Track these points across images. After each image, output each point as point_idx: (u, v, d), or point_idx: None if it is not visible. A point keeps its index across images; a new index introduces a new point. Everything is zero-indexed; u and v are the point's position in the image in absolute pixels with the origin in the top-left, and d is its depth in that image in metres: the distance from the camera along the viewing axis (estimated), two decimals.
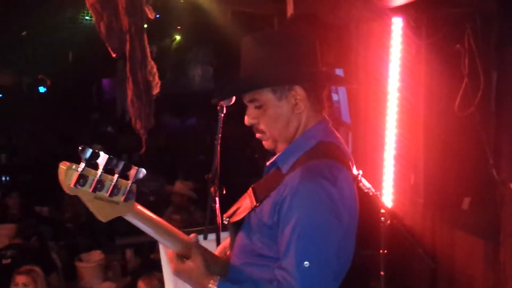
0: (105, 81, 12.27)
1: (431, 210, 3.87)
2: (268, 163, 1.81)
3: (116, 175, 1.43)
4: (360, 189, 2.28)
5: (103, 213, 1.45)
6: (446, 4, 3.49)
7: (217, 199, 2.17)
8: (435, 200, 3.83)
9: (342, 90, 4.71)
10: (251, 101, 1.72)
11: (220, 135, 2.16)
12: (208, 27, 6.82)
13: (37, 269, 4.24)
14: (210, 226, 2.22)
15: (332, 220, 1.57)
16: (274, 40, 1.73)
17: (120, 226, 5.92)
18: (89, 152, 1.35)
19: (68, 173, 1.36)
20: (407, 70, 3.85)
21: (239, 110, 1.97)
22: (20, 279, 4.06)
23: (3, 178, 9.74)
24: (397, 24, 3.82)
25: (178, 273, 1.68)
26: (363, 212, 1.76)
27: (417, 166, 3.89)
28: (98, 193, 1.41)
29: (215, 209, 2.16)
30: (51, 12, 7.15)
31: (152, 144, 4.72)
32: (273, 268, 1.60)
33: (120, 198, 1.46)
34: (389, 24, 3.86)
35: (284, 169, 1.68)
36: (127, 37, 4.17)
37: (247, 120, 1.75)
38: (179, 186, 6.21)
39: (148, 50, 4.30)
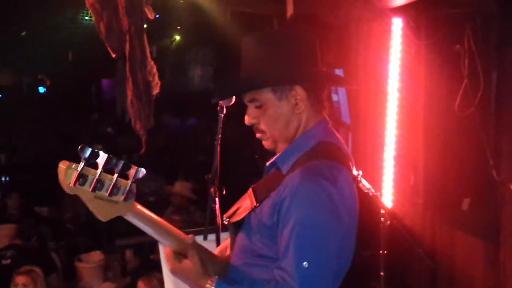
0: (105, 81, 12.27)
1: (431, 210, 3.87)
2: (268, 163, 1.81)
3: (116, 175, 1.43)
4: (360, 190, 2.28)
5: (102, 213, 1.44)
6: (446, 4, 3.49)
7: (217, 199, 2.17)
8: (435, 201, 3.83)
9: (342, 90, 4.71)
10: (251, 100, 1.72)
11: (220, 136, 2.16)
12: (208, 27, 6.82)
13: (37, 269, 4.24)
14: (210, 226, 2.22)
15: (332, 221, 1.57)
16: (274, 40, 1.73)
17: (120, 227, 5.92)
18: (88, 151, 1.35)
19: (67, 172, 1.36)
20: (407, 70, 3.85)
21: (239, 110, 1.97)
22: (20, 279, 4.06)
23: (3, 179, 9.74)
24: (397, 24, 3.82)
25: (175, 272, 1.68)
26: (363, 212, 1.76)
27: (417, 166, 3.89)
28: (98, 193, 1.41)
29: (215, 209, 2.17)
30: (51, 12, 7.14)
31: (151, 145, 4.71)
32: (273, 268, 1.60)
33: (120, 197, 1.45)
34: (389, 25, 3.86)
35: (284, 169, 1.68)
36: (127, 37, 4.17)
37: (247, 119, 1.75)
38: (179, 187, 6.20)
39: (148, 50, 4.29)
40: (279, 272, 1.57)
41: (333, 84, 2.56)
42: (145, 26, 4.26)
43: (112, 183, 1.42)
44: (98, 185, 1.40)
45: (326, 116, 1.78)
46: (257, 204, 1.69)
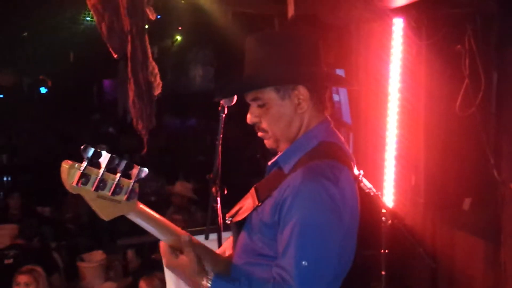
0: (106, 82, 12.28)
1: (432, 210, 3.87)
2: (269, 163, 1.82)
3: (118, 174, 1.43)
4: (361, 189, 2.29)
5: (105, 212, 1.45)
6: (446, 4, 3.49)
7: (218, 199, 2.18)
8: (436, 200, 3.84)
9: (343, 90, 4.71)
10: (254, 99, 1.72)
11: (221, 135, 2.17)
12: (209, 27, 6.82)
13: (39, 268, 4.24)
14: (212, 226, 2.23)
15: (333, 220, 1.58)
16: (277, 40, 1.73)
17: (122, 226, 5.93)
18: (91, 151, 1.36)
19: (70, 172, 1.37)
20: (408, 70, 3.85)
21: (240, 110, 1.97)
22: (22, 278, 4.06)
23: (5, 179, 9.75)
24: (398, 24, 3.82)
25: (171, 267, 1.68)
26: (364, 212, 1.76)
27: (417, 166, 3.89)
28: (101, 192, 1.42)
29: (217, 209, 2.17)
30: (51, 12, 7.14)
31: (153, 145, 4.72)
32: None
33: (122, 197, 1.46)
34: (389, 25, 3.86)
35: (286, 169, 1.69)
36: (128, 38, 4.18)
37: (249, 118, 1.75)
38: (179, 187, 6.21)
39: (149, 50, 4.30)
40: (278, 270, 1.56)
41: (334, 84, 2.56)
42: (146, 26, 4.27)
43: (115, 183, 1.43)
44: (101, 184, 1.41)
45: (328, 116, 1.79)
46: (259, 204, 1.69)
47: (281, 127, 1.72)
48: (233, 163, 6.55)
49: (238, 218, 1.77)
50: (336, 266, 1.61)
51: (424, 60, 3.72)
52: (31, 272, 4.12)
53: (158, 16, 4.41)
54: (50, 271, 4.91)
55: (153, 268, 4.28)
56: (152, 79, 4.30)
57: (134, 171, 1.46)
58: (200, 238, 1.86)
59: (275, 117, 1.71)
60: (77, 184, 1.37)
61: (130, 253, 5.85)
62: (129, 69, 4.27)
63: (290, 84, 1.68)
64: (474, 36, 3.43)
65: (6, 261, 5.11)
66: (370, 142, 4.34)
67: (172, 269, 1.68)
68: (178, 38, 9.63)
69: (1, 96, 10.50)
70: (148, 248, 5.65)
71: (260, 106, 1.71)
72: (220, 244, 2.14)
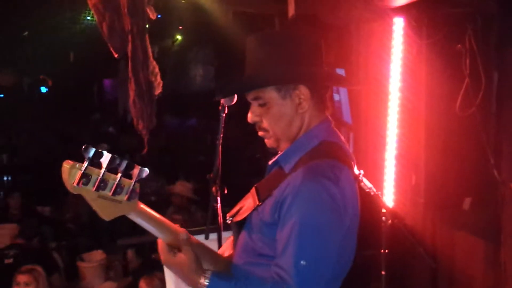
0: (106, 81, 12.28)
1: (432, 210, 3.87)
2: (270, 162, 1.82)
3: (119, 174, 1.43)
4: (361, 189, 2.28)
5: (106, 212, 1.45)
6: (446, 4, 3.50)
7: (218, 198, 2.18)
8: (436, 200, 3.84)
9: (343, 90, 4.71)
10: (255, 98, 1.72)
11: (221, 135, 2.17)
12: (210, 27, 6.82)
13: (39, 268, 4.24)
14: (212, 225, 2.23)
15: (334, 220, 1.58)
16: (279, 40, 1.74)
17: (122, 226, 5.93)
18: (92, 151, 1.36)
19: (71, 172, 1.37)
20: (408, 70, 3.85)
21: (240, 110, 1.97)
22: (22, 278, 4.06)
23: (5, 178, 9.74)
24: (398, 24, 3.82)
25: (168, 265, 1.68)
26: (364, 212, 1.76)
27: (418, 166, 3.89)
28: (101, 192, 1.42)
29: (217, 208, 2.17)
30: (51, 12, 7.15)
31: (153, 144, 4.72)
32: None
33: (123, 197, 1.46)
34: (390, 24, 3.86)
35: (287, 168, 1.69)
36: (129, 37, 4.18)
37: (250, 117, 1.75)
38: (179, 187, 6.21)
39: (149, 50, 4.31)
40: (277, 269, 1.56)
41: (335, 84, 2.56)
42: (147, 26, 4.27)
43: (116, 183, 1.43)
44: (102, 184, 1.41)
45: (329, 116, 1.79)
46: (260, 203, 1.69)
47: (282, 126, 1.72)
48: (233, 163, 6.54)
49: (239, 218, 1.77)
50: (335, 266, 1.61)
51: (425, 59, 3.72)
52: (31, 271, 4.12)
53: (159, 16, 4.42)
54: (50, 271, 4.91)
55: (153, 268, 4.28)
56: (153, 79, 4.31)
57: (135, 171, 1.46)
58: (200, 238, 1.86)
59: (276, 116, 1.71)
60: (78, 184, 1.37)
61: (130, 253, 5.85)
62: (129, 68, 4.27)
63: (291, 84, 1.68)
64: (475, 35, 3.43)
65: (6, 261, 5.12)
66: (370, 142, 4.34)
67: (170, 266, 1.68)
68: (179, 37, 9.62)
69: (1, 96, 10.50)
70: (148, 248, 5.65)
71: (261, 105, 1.71)
72: (220, 244, 2.14)
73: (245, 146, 8.46)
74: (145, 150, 4.43)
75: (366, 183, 2.45)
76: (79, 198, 1.42)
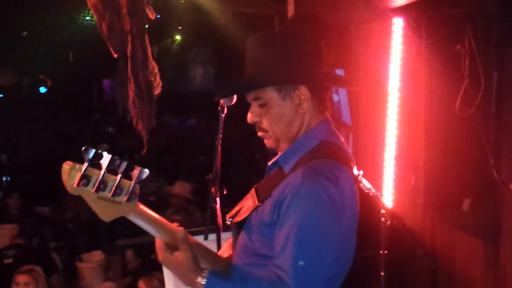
0: (106, 82, 12.27)
1: (431, 210, 3.87)
2: (269, 163, 1.82)
3: (119, 175, 1.43)
4: (360, 190, 2.28)
5: (106, 213, 1.45)
6: (446, 4, 3.50)
7: (217, 199, 2.18)
8: (435, 201, 3.84)
9: (342, 91, 4.71)
10: (255, 99, 1.72)
11: (221, 136, 2.17)
12: (209, 27, 6.83)
13: (38, 268, 4.24)
14: (211, 226, 2.23)
15: (333, 220, 1.57)
16: (279, 40, 1.73)
17: (121, 227, 5.93)
18: (92, 152, 1.36)
19: (71, 173, 1.37)
20: (408, 70, 3.85)
21: (239, 110, 1.97)
22: (21, 278, 4.06)
23: (4, 179, 9.74)
24: (398, 24, 3.82)
25: (165, 263, 1.68)
26: (363, 212, 1.76)
27: (417, 166, 3.89)
28: (101, 193, 1.41)
29: (216, 209, 2.17)
30: (51, 12, 7.15)
31: (152, 145, 4.72)
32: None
33: (123, 198, 1.46)
34: (389, 25, 3.86)
35: (286, 168, 1.69)
36: (129, 38, 4.18)
37: (250, 117, 1.75)
38: (178, 188, 6.20)
39: (149, 50, 4.31)
40: (275, 269, 1.56)
41: (335, 84, 2.55)
42: (146, 26, 4.27)
43: (116, 184, 1.43)
44: (102, 185, 1.41)
45: (329, 117, 1.79)
46: (259, 204, 1.69)
47: (282, 127, 1.71)
48: (233, 163, 6.54)
49: (238, 218, 1.77)
50: (334, 266, 1.61)
51: (424, 60, 3.72)
52: (30, 272, 4.12)
53: (158, 16, 4.42)
54: (49, 271, 4.91)
55: (152, 268, 4.27)
56: (152, 79, 4.31)
57: (135, 172, 1.46)
58: (199, 239, 1.86)
59: (275, 117, 1.70)
60: (77, 185, 1.37)
61: (129, 254, 5.85)
62: (129, 68, 4.27)
63: (291, 84, 1.68)
64: (474, 36, 3.43)
65: (5, 261, 5.11)
66: (369, 142, 4.34)
67: (167, 264, 1.68)
68: (178, 37, 9.63)
69: (1, 96, 10.49)
70: (147, 248, 5.64)
71: (261, 106, 1.71)
72: (219, 245, 2.14)
73: (244, 147, 8.46)
74: (145, 150, 4.43)
75: (366, 183, 2.45)
76: (79, 198, 1.42)
